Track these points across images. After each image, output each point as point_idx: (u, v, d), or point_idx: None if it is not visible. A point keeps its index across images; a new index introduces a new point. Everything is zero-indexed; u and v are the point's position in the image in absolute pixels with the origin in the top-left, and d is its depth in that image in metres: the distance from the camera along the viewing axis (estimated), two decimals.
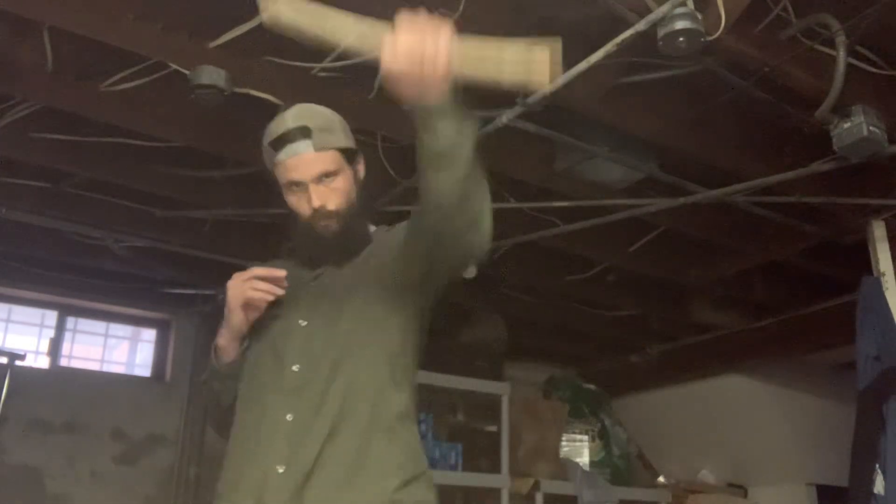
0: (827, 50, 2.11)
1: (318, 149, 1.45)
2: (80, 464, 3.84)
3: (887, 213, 2.95)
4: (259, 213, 3.09)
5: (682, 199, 2.85)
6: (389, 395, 1.40)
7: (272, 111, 2.47)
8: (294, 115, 1.47)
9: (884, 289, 2.90)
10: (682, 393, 4.70)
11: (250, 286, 1.44)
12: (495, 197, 2.96)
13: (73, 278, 3.87)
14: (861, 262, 3.06)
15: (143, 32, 2.03)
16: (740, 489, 4.60)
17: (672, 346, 4.70)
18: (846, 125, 2.27)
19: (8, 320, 4.08)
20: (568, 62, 2.05)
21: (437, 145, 1.18)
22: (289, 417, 1.35)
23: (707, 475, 4.65)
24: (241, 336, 1.50)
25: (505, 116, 2.32)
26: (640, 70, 2.23)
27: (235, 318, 1.47)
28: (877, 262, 2.97)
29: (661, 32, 1.83)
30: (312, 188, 1.44)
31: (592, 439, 4.58)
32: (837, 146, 2.32)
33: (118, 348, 4.47)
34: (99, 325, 4.33)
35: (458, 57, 1.12)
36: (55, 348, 4.08)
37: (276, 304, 1.47)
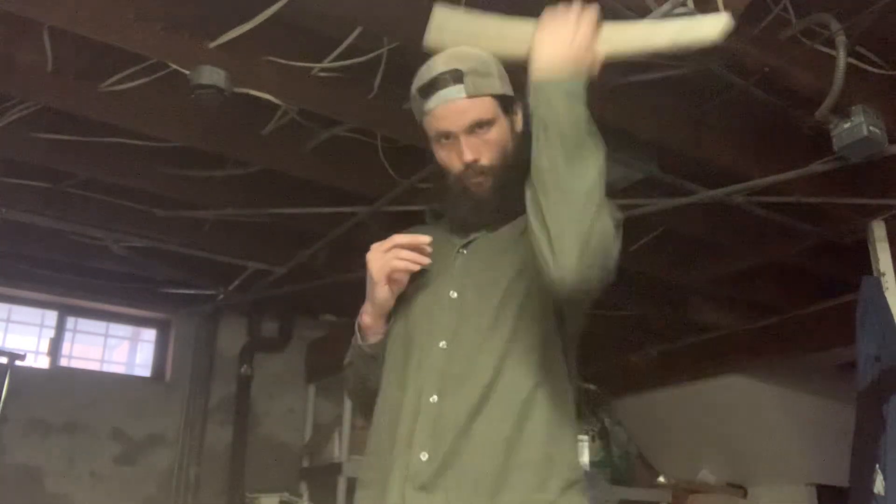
0: (827, 50, 2.11)
1: (470, 95, 1.28)
2: (80, 464, 3.84)
3: (887, 213, 2.95)
4: (259, 213, 3.09)
5: (682, 199, 2.85)
6: (546, 384, 1.25)
7: (272, 111, 2.50)
8: (445, 59, 1.31)
9: (884, 289, 2.90)
10: (682, 393, 4.70)
11: (394, 255, 1.30)
12: None
13: (73, 278, 3.87)
14: (861, 262, 3.06)
15: (143, 32, 2.03)
16: (740, 489, 4.60)
17: (672, 346, 4.69)
18: (846, 125, 2.27)
19: (8, 320, 4.08)
20: None
21: (558, 124, 1.15)
22: (433, 399, 1.22)
23: (707, 475, 4.65)
24: (386, 312, 1.36)
25: None
26: (639, 70, 2.23)
27: (380, 293, 1.32)
28: (877, 262, 2.97)
29: None
30: (464, 140, 1.29)
31: (592, 439, 4.58)
32: (837, 146, 2.31)
33: (118, 348, 4.47)
34: (99, 325, 4.33)
35: (606, 39, 1.20)
36: (55, 348, 4.08)
37: (421, 275, 1.33)
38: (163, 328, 4.43)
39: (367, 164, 2.72)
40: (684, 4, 1.81)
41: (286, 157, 2.72)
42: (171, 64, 2.18)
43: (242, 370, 4.36)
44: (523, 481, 1.18)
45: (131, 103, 2.38)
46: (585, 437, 4.58)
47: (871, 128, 2.25)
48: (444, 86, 1.29)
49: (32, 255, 3.63)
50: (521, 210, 1.25)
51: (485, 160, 1.30)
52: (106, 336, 4.36)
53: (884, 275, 2.93)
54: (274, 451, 4.39)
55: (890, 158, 2.45)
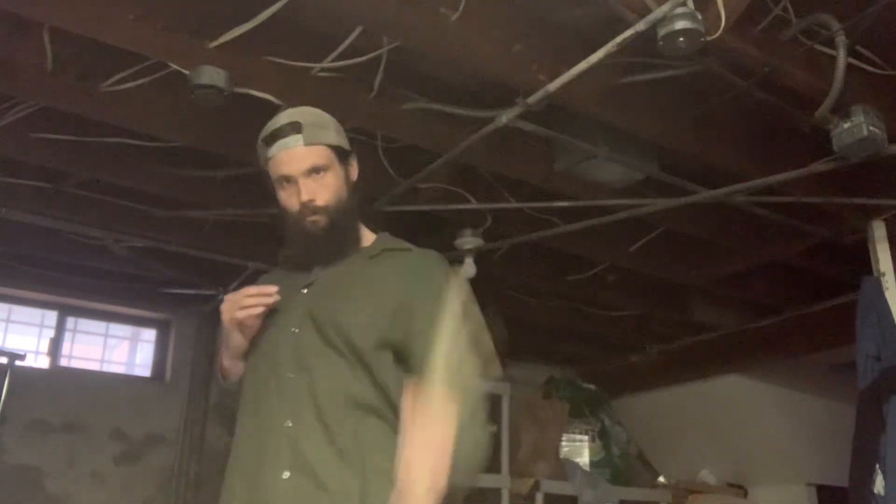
0: (827, 50, 2.11)
1: (308, 143, 1.48)
2: (80, 464, 3.84)
3: (887, 213, 2.95)
4: (259, 213, 3.09)
5: (682, 199, 2.85)
6: (378, 408, 1.41)
7: (272, 111, 2.49)
8: (287, 114, 1.52)
9: (884, 289, 2.90)
10: (682, 393, 4.70)
11: (238, 306, 1.47)
12: (495, 197, 2.98)
13: (73, 278, 3.87)
14: (861, 262, 3.06)
15: (143, 32, 2.03)
16: (740, 489, 4.60)
17: (672, 346, 4.70)
18: (846, 125, 2.27)
19: (8, 320, 4.08)
20: (568, 62, 2.05)
21: None
22: (288, 424, 1.37)
23: (707, 475, 4.65)
24: (241, 355, 1.53)
25: (505, 116, 2.31)
26: (640, 70, 2.23)
27: (234, 339, 1.50)
28: (877, 262, 2.97)
29: (661, 32, 1.83)
30: (302, 182, 1.47)
31: (592, 439, 4.58)
32: (837, 146, 2.31)
33: (118, 348, 4.47)
34: (99, 325, 4.33)
35: None
36: (55, 348, 4.08)
37: (272, 314, 1.50)
38: (163, 328, 4.43)
39: (367, 164, 2.71)
40: (684, 4, 1.82)
41: None
42: (171, 64, 2.17)
43: None
44: (379, 491, 1.32)
45: (131, 103, 2.37)
46: (585, 438, 4.58)
47: (871, 128, 2.25)
48: (285, 135, 1.48)
49: (32, 255, 3.63)
50: (352, 248, 1.53)
51: (320, 201, 1.48)
52: (106, 336, 4.36)
53: (884, 275, 2.93)
54: None
55: (890, 158, 2.45)
